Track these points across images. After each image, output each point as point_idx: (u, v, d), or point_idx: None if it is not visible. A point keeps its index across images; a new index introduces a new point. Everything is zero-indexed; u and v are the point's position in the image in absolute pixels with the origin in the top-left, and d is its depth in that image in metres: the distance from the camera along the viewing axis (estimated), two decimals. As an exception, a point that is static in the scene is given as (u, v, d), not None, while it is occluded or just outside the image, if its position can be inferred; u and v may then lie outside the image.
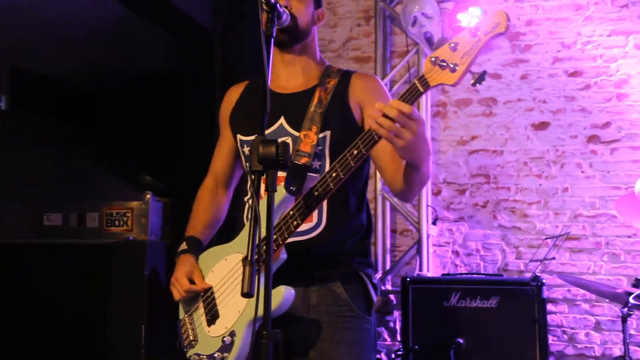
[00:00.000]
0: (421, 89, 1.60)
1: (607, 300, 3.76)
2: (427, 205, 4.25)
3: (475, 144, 4.31)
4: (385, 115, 1.56)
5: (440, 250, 4.30)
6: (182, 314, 2.00)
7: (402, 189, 1.82)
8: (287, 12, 1.83)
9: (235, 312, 1.81)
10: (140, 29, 3.74)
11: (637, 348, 3.84)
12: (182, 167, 3.80)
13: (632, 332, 3.81)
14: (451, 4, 4.13)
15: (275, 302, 1.64)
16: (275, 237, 1.73)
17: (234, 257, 1.89)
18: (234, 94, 2.13)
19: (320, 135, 1.89)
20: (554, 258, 3.86)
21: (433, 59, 1.57)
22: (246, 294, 1.42)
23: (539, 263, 3.82)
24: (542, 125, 4.20)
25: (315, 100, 1.93)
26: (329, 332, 1.85)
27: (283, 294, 1.73)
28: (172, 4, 3.21)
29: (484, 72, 1.53)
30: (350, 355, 1.85)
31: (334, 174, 1.71)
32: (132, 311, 3.27)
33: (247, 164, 2.00)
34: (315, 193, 1.73)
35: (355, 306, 1.88)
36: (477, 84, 1.54)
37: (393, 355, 3.80)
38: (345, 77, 1.99)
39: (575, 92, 4.15)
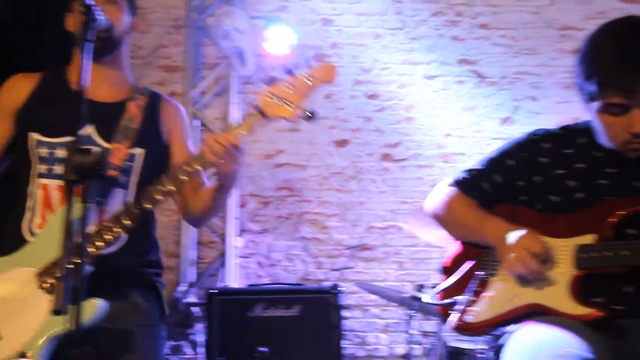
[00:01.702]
0: (262, 119, 1.84)
1: (395, 304, 4.13)
2: (235, 217, 4.30)
3: (281, 158, 4.47)
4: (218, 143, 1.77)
5: (245, 262, 4.38)
6: None
7: (201, 212, 2.03)
8: (103, 17, 1.78)
9: (27, 330, 1.73)
10: None
11: (417, 346, 4.27)
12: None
13: (414, 332, 4.23)
14: (262, 20, 4.25)
15: (88, 316, 1.62)
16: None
17: (16, 273, 1.80)
18: (24, 84, 1.99)
19: (132, 151, 1.93)
20: (352, 267, 4.16)
21: (270, 95, 1.83)
22: (58, 312, 1.37)
23: (337, 272, 4.09)
24: (343, 143, 4.49)
25: (127, 114, 1.95)
26: (131, 341, 1.89)
27: (97, 308, 1.71)
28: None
29: (315, 112, 1.84)
30: None
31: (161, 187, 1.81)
32: None
33: (47, 168, 1.90)
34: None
35: (154, 315, 1.98)
36: (309, 120, 1.85)
37: (197, 368, 3.77)
38: (154, 98, 2.06)
39: (372, 113, 4.51)
